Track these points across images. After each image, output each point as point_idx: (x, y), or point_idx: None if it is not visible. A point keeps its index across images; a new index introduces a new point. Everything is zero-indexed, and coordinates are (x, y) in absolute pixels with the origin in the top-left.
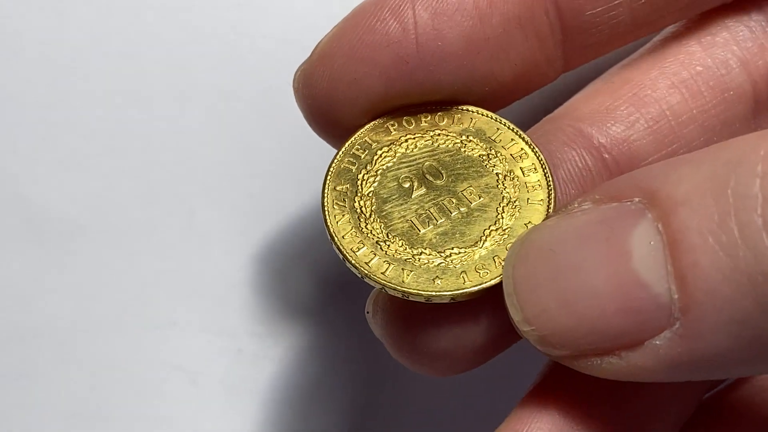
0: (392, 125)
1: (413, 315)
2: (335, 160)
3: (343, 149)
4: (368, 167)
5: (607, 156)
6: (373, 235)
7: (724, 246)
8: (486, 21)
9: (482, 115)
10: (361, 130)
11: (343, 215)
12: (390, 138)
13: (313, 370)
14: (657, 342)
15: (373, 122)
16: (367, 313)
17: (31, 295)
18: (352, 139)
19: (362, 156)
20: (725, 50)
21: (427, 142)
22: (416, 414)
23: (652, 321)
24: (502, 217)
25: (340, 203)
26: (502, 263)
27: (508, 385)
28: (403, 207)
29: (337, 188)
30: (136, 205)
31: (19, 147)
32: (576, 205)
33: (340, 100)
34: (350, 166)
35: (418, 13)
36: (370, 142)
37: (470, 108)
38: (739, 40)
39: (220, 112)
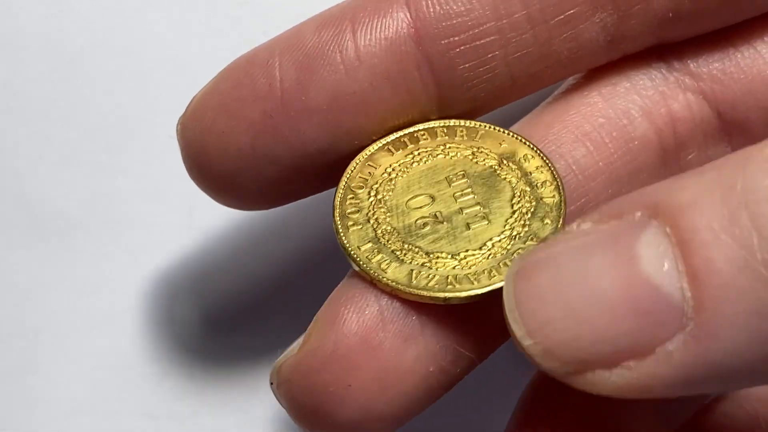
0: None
1: (317, 385)
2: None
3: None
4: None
5: None
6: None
7: (738, 238)
8: (352, 75)
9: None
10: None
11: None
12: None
13: None
14: (669, 347)
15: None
16: (271, 384)
17: (30, 291)
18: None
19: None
20: (626, 100)
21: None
22: None
23: (664, 323)
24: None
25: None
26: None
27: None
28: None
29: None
30: (135, 202)
31: (20, 143)
32: (575, 227)
33: (211, 152)
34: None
35: (284, 68)
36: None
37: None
38: (639, 89)
39: None
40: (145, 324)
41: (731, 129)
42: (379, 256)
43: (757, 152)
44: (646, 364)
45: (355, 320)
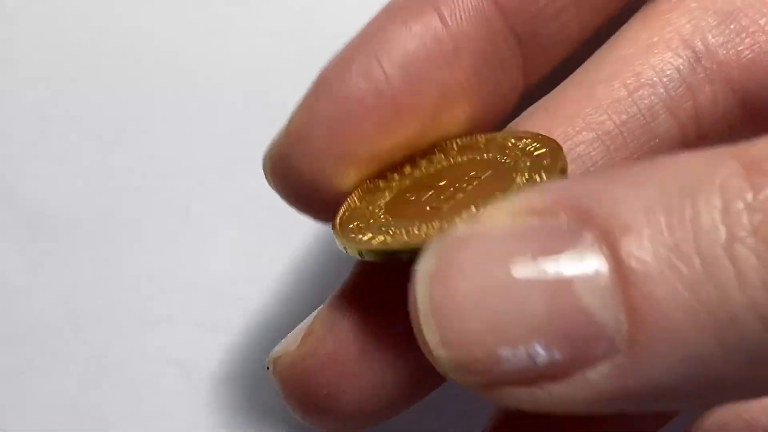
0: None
1: (311, 385)
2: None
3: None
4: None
5: None
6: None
7: (686, 280)
8: (456, 65)
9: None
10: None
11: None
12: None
13: None
14: (591, 375)
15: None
16: (267, 369)
17: (25, 291)
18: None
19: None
20: (652, 94)
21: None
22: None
23: (591, 352)
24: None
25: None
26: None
27: None
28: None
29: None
30: (131, 201)
31: (14, 142)
32: (487, 213)
33: (327, 175)
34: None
35: (388, 70)
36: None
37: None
38: (665, 81)
39: (215, 108)
40: (139, 323)
41: (756, 118)
42: (369, 235)
43: (706, 180)
44: (560, 387)
45: (355, 327)
